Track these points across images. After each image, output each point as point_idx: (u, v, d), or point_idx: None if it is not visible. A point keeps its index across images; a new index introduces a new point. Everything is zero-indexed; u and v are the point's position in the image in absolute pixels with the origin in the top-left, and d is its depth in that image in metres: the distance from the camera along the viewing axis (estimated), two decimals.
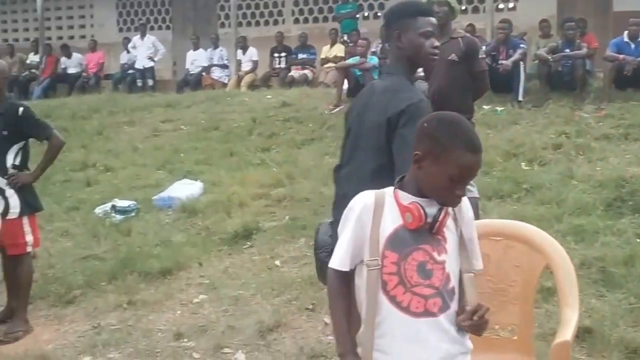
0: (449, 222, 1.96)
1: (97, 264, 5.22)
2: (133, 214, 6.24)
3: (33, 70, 14.47)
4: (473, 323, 1.90)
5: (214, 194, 6.51)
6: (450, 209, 1.96)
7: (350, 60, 9.84)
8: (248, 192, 6.42)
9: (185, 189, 6.56)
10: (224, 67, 13.23)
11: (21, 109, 4.34)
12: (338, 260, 1.98)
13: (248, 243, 5.34)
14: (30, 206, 4.40)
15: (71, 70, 14.28)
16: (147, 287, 4.76)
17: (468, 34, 4.96)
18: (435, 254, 1.92)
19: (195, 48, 13.36)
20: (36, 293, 4.68)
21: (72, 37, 16.23)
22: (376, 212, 1.94)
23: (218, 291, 4.57)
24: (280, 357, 3.66)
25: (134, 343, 3.98)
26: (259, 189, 6.50)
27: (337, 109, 9.10)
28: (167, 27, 15.12)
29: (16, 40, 16.60)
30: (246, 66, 12.78)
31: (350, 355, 1.95)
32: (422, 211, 1.88)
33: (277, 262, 4.94)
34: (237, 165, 7.49)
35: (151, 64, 13.60)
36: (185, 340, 3.96)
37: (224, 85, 12.81)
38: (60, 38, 16.11)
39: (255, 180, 6.73)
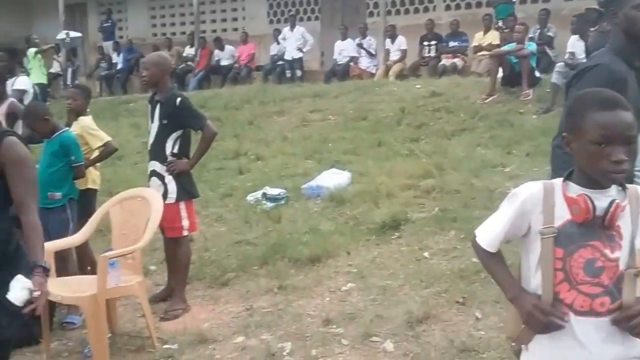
0: (627, 216, 1.86)
1: (249, 248, 5.51)
2: (283, 201, 6.49)
3: (189, 63, 15.42)
4: (632, 324, 1.81)
5: (361, 184, 6.62)
6: (627, 202, 1.86)
7: (506, 47, 9.55)
8: (396, 182, 6.45)
9: (333, 179, 6.72)
10: (372, 56, 13.33)
11: (179, 99, 4.64)
12: (487, 240, 1.98)
13: (396, 234, 5.37)
14: (187, 193, 4.72)
15: (224, 62, 15.06)
16: (296, 273, 4.95)
17: None
18: (607, 251, 1.84)
19: (344, 38, 13.57)
20: (193, 274, 5.03)
21: (224, 30, 17.08)
22: (546, 203, 1.88)
23: (366, 280, 4.65)
24: (429, 349, 3.67)
25: (285, 326, 4.16)
26: (408, 180, 6.51)
27: (491, 99, 8.89)
28: (316, 18, 15.46)
29: (173, 34, 17.74)
30: (394, 55, 12.80)
31: (522, 295, 1.91)
32: (589, 203, 1.81)
33: (426, 254, 4.94)
34: (385, 155, 7.55)
35: (300, 54, 14.02)
36: (334, 326, 4.08)
37: (372, 75, 12.91)
38: (214, 31, 17.01)
39: (404, 171, 6.75)
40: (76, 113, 5.11)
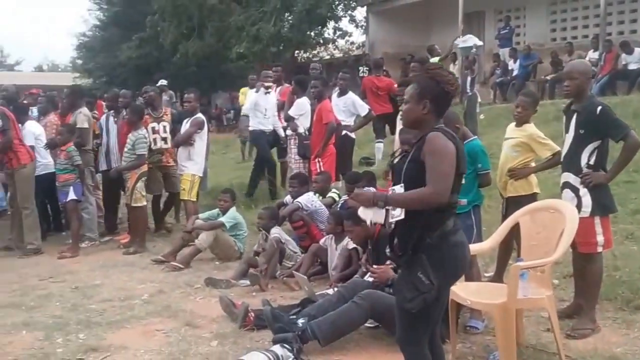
0: None
1: None
2: None
3: (593, 68, 14.73)
4: None
5: None
6: None
7: None
8: None
9: None
10: None
11: (599, 107, 4.47)
12: None
13: None
14: (603, 207, 4.54)
15: (632, 67, 14.04)
16: None
17: None
18: None
19: None
20: (603, 294, 4.83)
21: (634, 32, 15.91)
22: None
23: None
24: None
25: None
26: None
27: None
28: None
29: (574, 37, 17.18)
30: None
31: None
32: None
33: None
34: None
35: None
36: None
37: None
38: (621, 33, 15.98)
39: None
40: (523, 121, 5.22)
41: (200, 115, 8.35)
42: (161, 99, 9.99)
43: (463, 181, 3.25)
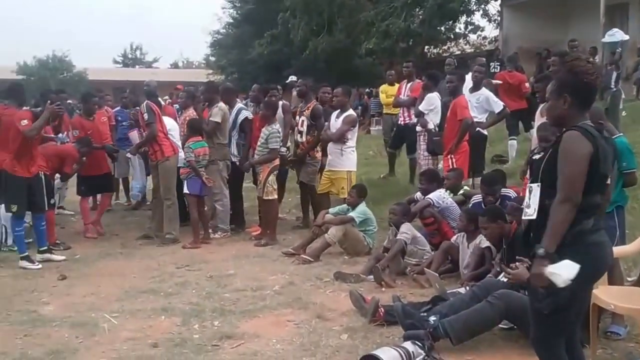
0: None
1: None
2: None
3: None
4: None
5: None
6: None
7: None
8: None
9: None
10: None
11: None
12: None
13: None
14: None
15: None
16: None
17: None
18: None
19: None
20: None
21: None
22: None
23: None
24: None
25: None
26: None
27: None
28: None
29: None
30: None
31: None
32: None
33: None
34: None
35: None
36: None
37: None
38: None
39: None
40: None
41: (352, 112, 8.46)
42: (291, 94, 10.21)
43: (608, 181, 3.13)
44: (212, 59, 43.15)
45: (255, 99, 9.40)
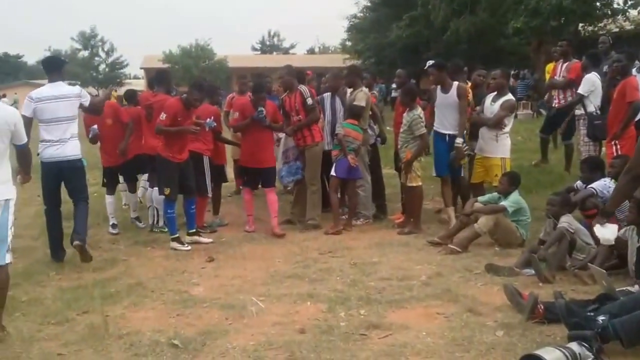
0: None
1: None
2: None
3: None
4: None
5: None
6: None
7: None
8: None
9: None
10: None
11: None
12: None
13: None
14: None
15: None
16: None
17: None
18: None
19: None
20: None
21: None
22: None
23: None
24: None
25: None
26: None
27: None
28: None
29: None
30: None
31: None
32: None
33: None
34: None
35: None
36: None
37: None
38: None
39: None
40: None
41: (511, 96, 8.12)
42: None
43: None
44: (349, 43, 43.51)
45: (402, 85, 9.23)
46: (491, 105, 7.99)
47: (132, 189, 9.11)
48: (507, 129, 7.94)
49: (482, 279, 6.01)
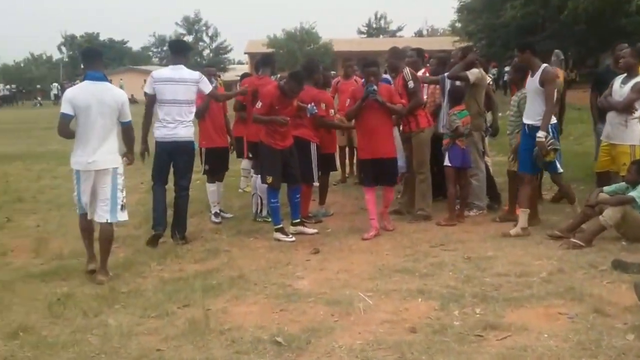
0: None
1: None
2: None
3: None
4: None
5: None
6: None
7: None
8: None
9: None
10: None
11: None
12: None
13: None
14: None
15: None
16: None
17: None
18: None
19: None
20: None
21: None
22: None
23: None
24: None
25: None
26: None
27: None
28: None
29: None
30: None
31: None
32: None
33: None
34: None
35: None
36: None
37: None
38: None
39: None
40: None
41: None
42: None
43: None
44: (459, 25, 42.51)
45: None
46: (620, 88, 7.43)
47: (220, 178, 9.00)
48: (638, 113, 7.34)
49: (609, 277, 5.61)
